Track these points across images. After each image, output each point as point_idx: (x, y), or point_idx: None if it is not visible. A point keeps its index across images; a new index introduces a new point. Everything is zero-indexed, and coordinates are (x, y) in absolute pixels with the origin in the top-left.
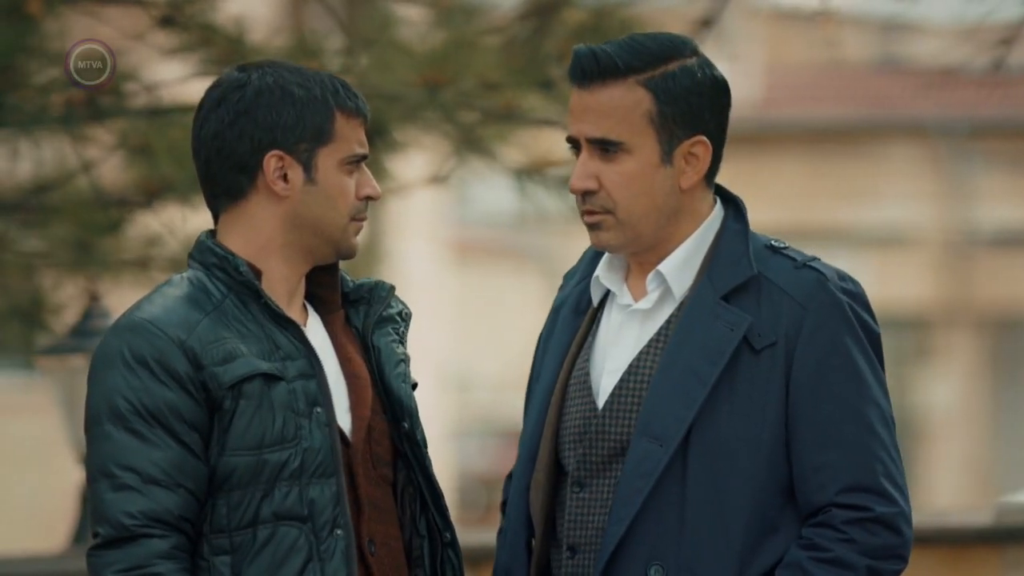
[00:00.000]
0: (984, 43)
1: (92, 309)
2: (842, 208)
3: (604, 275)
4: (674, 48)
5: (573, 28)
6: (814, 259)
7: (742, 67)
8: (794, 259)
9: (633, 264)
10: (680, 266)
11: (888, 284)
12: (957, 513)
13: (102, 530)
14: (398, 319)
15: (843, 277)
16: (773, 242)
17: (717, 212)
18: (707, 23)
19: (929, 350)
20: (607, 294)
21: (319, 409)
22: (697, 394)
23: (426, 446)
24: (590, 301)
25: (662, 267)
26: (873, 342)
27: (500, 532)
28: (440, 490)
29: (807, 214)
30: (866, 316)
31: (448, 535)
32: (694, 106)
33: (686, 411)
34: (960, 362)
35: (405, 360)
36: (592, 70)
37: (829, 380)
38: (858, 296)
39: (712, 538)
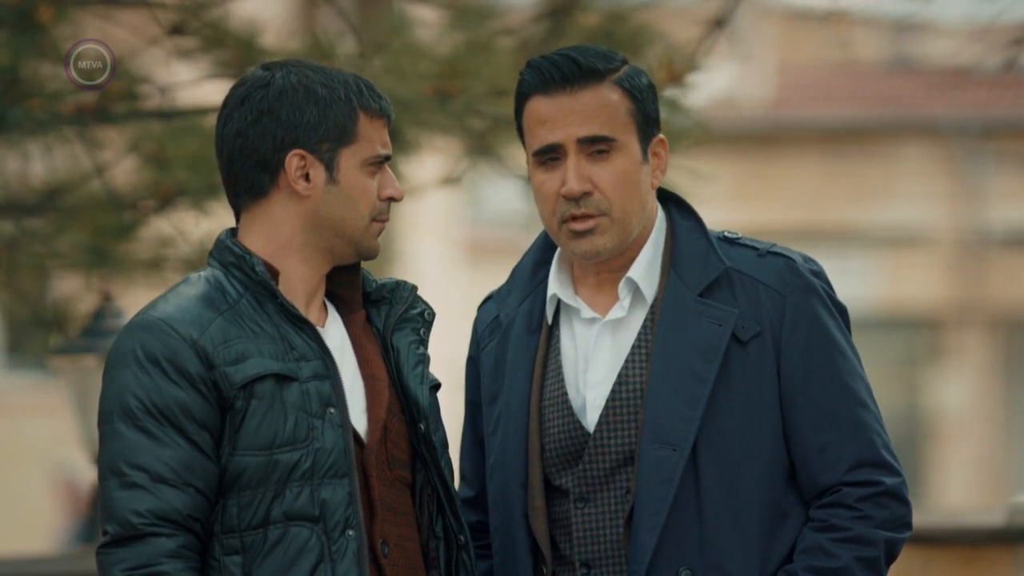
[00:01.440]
0: (996, 43)
1: (105, 309)
2: (854, 208)
3: (560, 291)
4: (617, 54)
5: (585, 33)
6: (773, 245)
7: (755, 67)
8: (756, 248)
9: (592, 274)
10: (646, 270)
11: (900, 284)
12: (970, 513)
13: (111, 528)
14: (420, 320)
15: (806, 259)
16: (727, 234)
17: (660, 211)
18: (719, 23)
19: (941, 350)
20: (556, 311)
21: (333, 410)
22: (699, 393)
23: (446, 448)
24: (541, 320)
25: (632, 273)
26: (845, 318)
27: (501, 564)
28: (455, 492)
29: (819, 214)
30: (834, 294)
31: (462, 537)
32: (652, 104)
33: (692, 411)
34: (972, 362)
35: (424, 361)
36: (574, 74)
37: (817, 361)
38: (823, 275)
39: (732, 533)
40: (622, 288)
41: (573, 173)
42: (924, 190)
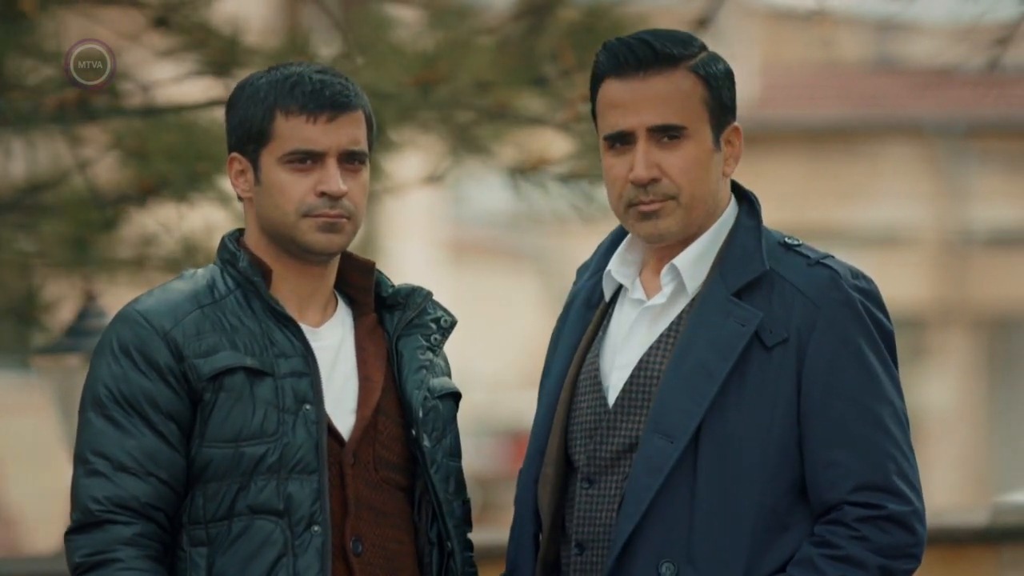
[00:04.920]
0: (980, 43)
1: (88, 309)
2: (838, 207)
3: (616, 270)
4: (695, 39)
5: (567, 27)
6: (827, 256)
7: (738, 67)
8: (807, 256)
9: (653, 258)
10: (695, 261)
11: (884, 283)
12: (953, 513)
13: (74, 515)
14: (432, 326)
15: (856, 275)
16: (787, 239)
17: (731, 208)
18: (703, 22)
19: (925, 350)
20: (619, 288)
21: (308, 406)
22: (707, 390)
23: (452, 456)
24: (602, 295)
25: (677, 261)
26: (886, 340)
27: (512, 526)
28: (447, 498)
29: (803, 214)
30: (879, 314)
31: (450, 544)
32: (729, 92)
33: (696, 407)
34: (956, 362)
35: (428, 367)
36: (648, 58)
37: (841, 378)
38: (871, 294)
39: (720, 534)
40: (664, 275)
41: (642, 160)
42: (908, 190)
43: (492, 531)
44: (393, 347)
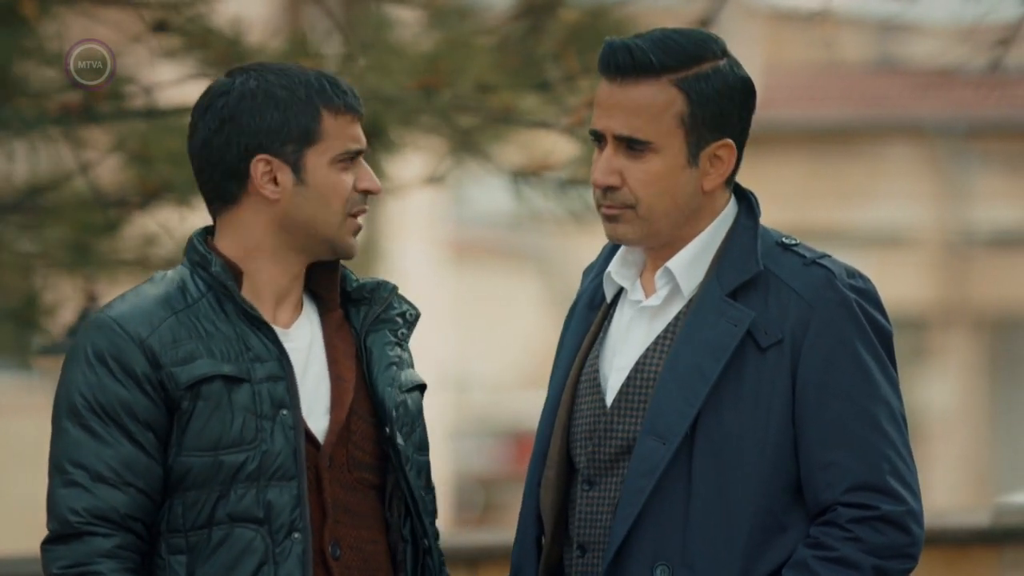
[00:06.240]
0: (982, 43)
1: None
2: (839, 208)
3: (616, 271)
4: (707, 48)
5: (568, 28)
6: (824, 256)
7: None
8: (803, 256)
9: (648, 259)
10: (690, 263)
11: (886, 284)
12: (955, 513)
13: (51, 526)
14: (399, 320)
15: (852, 274)
16: (784, 239)
17: (730, 208)
18: (704, 23)
19: (927, 350)
20: (622, 289)
21: (285, 412)
22: (700, 390)
23: (421, 451)
24: (604, 297)
25: (671, 264)
26: (883, 340)
27: (517, 529)
28: (421, 495)
29: (805, 214)
30: (876, 313)
31: (426, 541)
32: (724, 109)
33: (688, 407)
34: (958, 362)
35: (398, 363)
36: (626, 65)
37: (835, 378)
38: (868, 293)
39: (715, 535)
40: (659, 278)
41: (602, 166)
42: (909, 190)
43: (493, 532)
44: (361, 343)
